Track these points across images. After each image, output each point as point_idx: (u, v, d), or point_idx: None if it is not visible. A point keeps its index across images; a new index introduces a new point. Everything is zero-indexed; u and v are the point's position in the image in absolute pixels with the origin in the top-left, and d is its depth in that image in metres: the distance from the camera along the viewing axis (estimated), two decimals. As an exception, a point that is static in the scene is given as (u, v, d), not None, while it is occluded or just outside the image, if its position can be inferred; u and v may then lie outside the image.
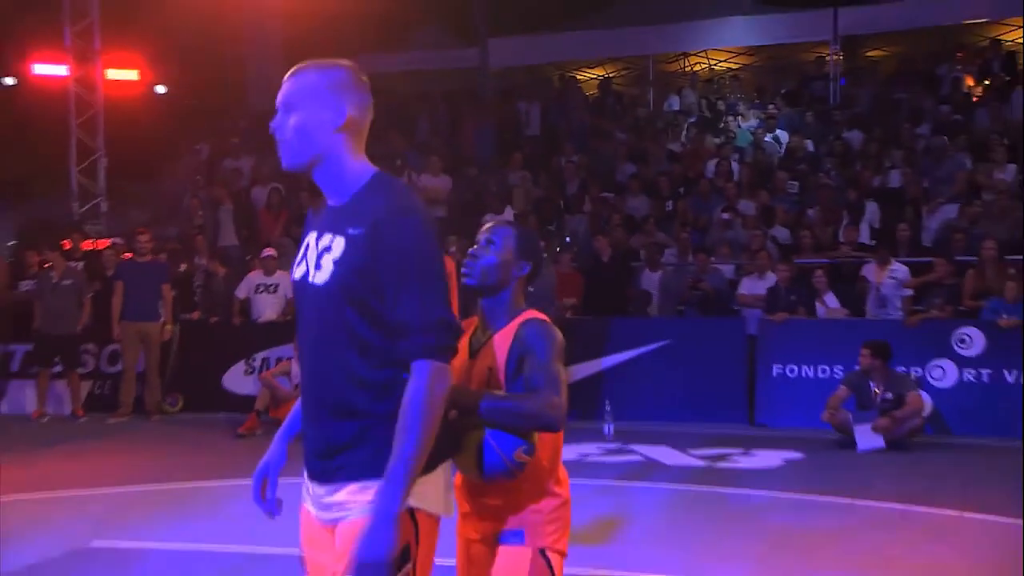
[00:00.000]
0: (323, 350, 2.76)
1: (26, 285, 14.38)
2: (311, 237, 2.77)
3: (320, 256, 2.70)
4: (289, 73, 2.77)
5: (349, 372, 2.67)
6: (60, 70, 18.42)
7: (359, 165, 2.77)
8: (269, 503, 2.91)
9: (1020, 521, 6.79)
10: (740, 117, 18.59)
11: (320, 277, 2.67)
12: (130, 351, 12.16)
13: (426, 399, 2.53)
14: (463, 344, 3.07)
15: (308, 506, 2.77)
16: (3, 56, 20.41)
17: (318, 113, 2.70)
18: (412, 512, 2.62)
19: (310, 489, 2.73)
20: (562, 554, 3.14)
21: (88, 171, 18.52)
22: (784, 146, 16.75)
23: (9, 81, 21.50)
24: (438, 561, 2.99)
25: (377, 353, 2.61)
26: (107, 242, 15.16)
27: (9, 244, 16.87)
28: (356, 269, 2.59)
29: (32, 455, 10.08)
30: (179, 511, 7.40)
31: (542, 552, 3.07)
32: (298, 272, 2.79)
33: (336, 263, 2.64)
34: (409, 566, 2.64)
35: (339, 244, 2.65)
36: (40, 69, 18.73)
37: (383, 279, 2.56)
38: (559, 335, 3.06)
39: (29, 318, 13.67)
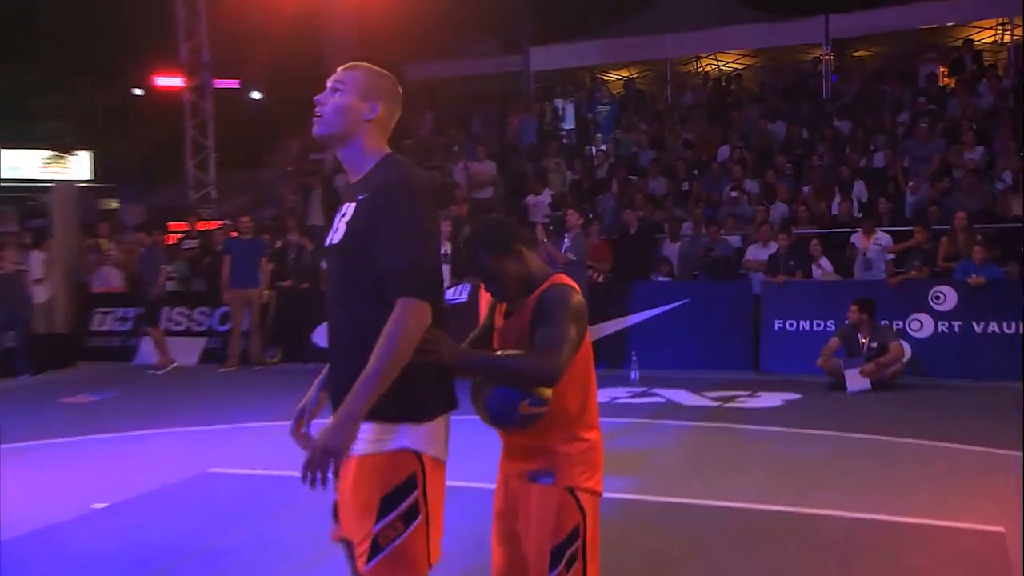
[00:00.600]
0: (340, 299, 2.79)
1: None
2: (340, 212, 2.81)
3: (338, 221, 2.77)
4: (346, 65, 2.87)
5: (360, 316, 2.69)
6: (176, 82, 18.82)
7: (375, 151, 2.80)
8: (304, 438, 2.91)
9: (987, 449, 6.89)
10: (745, 109, 18.56)
11: (336, 237, 2.75)
12: (236, 313, 12.46)
13: (398, 328, 2.54)
14: (501, 307, 3.10)
15: None
16: (131, 71, 20.77)
17: (357, 102, 2.78)
18: (419, 454, 2.65)
19: None
20: (595, 493, 3.01)
21: (200, 165, 18.88)
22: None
23: (137, 92, 21.85)
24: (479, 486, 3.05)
25: (380, 298, 2.61)
26: (216, 223, 15.48)
27: (138, 223, 17.24)
28: (360, 226, 2.67)
29: (158, 397, 10.43)
30: (280, 444, 7.52)
31: (571, 491, 2.92)
32: (327, 240, 2.84)
33: (347, 224, 2.72)
34: (417, 491, 2.64)
35: (351, 209, 2.72)
36: (161, 81, 19.10)
37: (378, 233, 2.63)
38: (577, 298, 2.94)
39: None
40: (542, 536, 2.91)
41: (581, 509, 2.93)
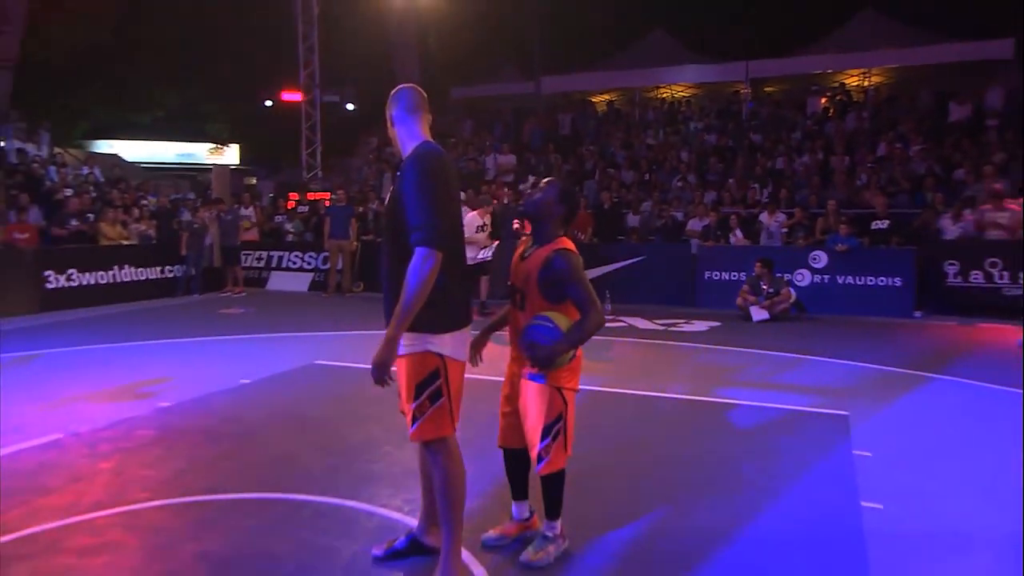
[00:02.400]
0: (386, 247, 2.77)
1: (280, 219, 14.85)
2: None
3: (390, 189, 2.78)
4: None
5: (397, 259, 2.64)
6: (296, 97, 18.76)
7: (411, 141, 2.74)
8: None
9: (843, 361, 6.94)
10: (689, 125, 18.43)
11: (386, 202, 2.77)
12: (333, 256, 12.45)
13: (416, 272, 2.51)
14: (518, 249, 3.10)
15: None
16: (265, 89, 20.81)
17: (389, 125, 2.82)
18: (441, 355, 2.66)
19: None
20: (574, 390, 3.02)
21: (311, 154, 18.83)
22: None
23: (268, 103, 21.82)
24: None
25: (408, 246, 2.56)
26: (321, 194, 15.53)
27: (270, 195, 17.32)
28: (395, 193, 2.67)
29: (281, 313, 10.48)
30: (362, 345, 7.29)
31: (559, 389, 2.96)
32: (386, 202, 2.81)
33: (390, 192, 2.73)
34: (440, 381, 2.67)
35: (397, 179, 2.71)
36: (285, 96, 19.08)
37: (404, 199, 2.60)
38: (577, 256, 2.94)
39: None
40: (536, 418, 2.97)
41: (564, 401, 2.99)
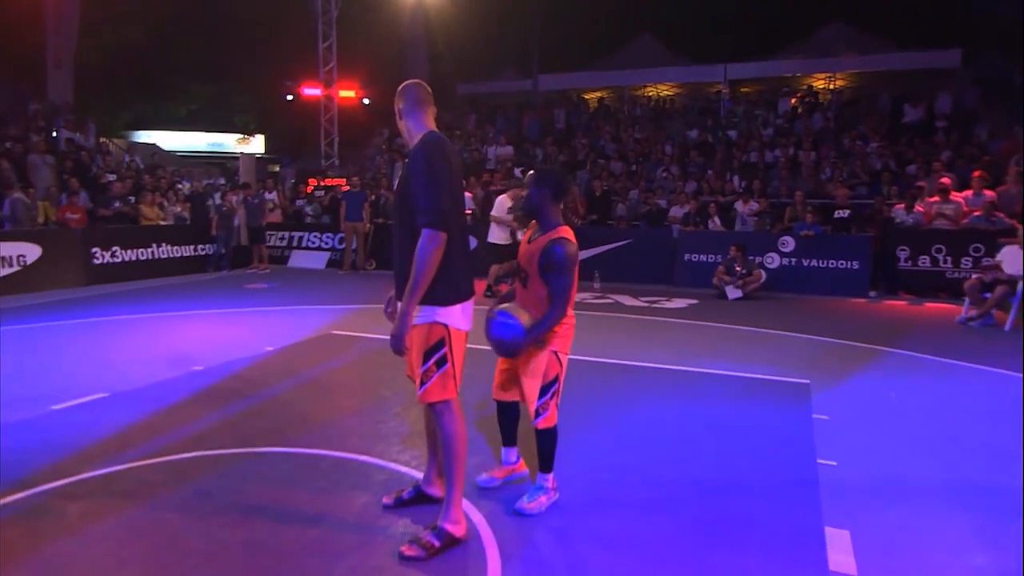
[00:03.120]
0: (396, 227, 2.75)
1: (300, 203, 14.76)
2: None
3: (399, 175, 2.75)
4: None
5: (407, 238, 2.62)
6: (316, 91, 18.46)
7: (419, 131, 2.70)
8: (390, 316, 2.85)
9: (807, 336, 6.96)
10: (673, 121, 18.29)
11: (395, 186, 2.76)
12: (348, 237, 12.35)
13: (423, 251, 2.50)
14: (527, 234, 3.08)
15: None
16: (288, 84, 20.58)
17: (398, 118, 2.78)
18: (446, 326, 2.65)
19: (398, 307, 2.64)
20: (566, 354, 3.05)
21: (329, 144, 18.59)
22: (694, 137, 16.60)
23: (290, 97, 21.65)
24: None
25: (417, 228, 2.55)
26: (337, 181, 15.40)
27: (291, 181, 17.21)
28: (404, 178, 2.65)
29: (301, 287, 10.39)
30: (374, 318, 7.53)
31: (555, 353, 2.99)
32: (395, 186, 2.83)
33: (400, 177, 2.70)
34: (445, 349, 2.66)
35: (405, 166, 2.69)
36: (306, 91, 18.83)
37: (411, 183, 2.59)
38: (573, 248, 2.90)
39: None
40: (536, 378, 3.00)
41: (560, 363, 3.02)
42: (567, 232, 2.94)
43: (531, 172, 3.06)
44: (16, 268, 9.39)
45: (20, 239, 9.57)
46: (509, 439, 3.32)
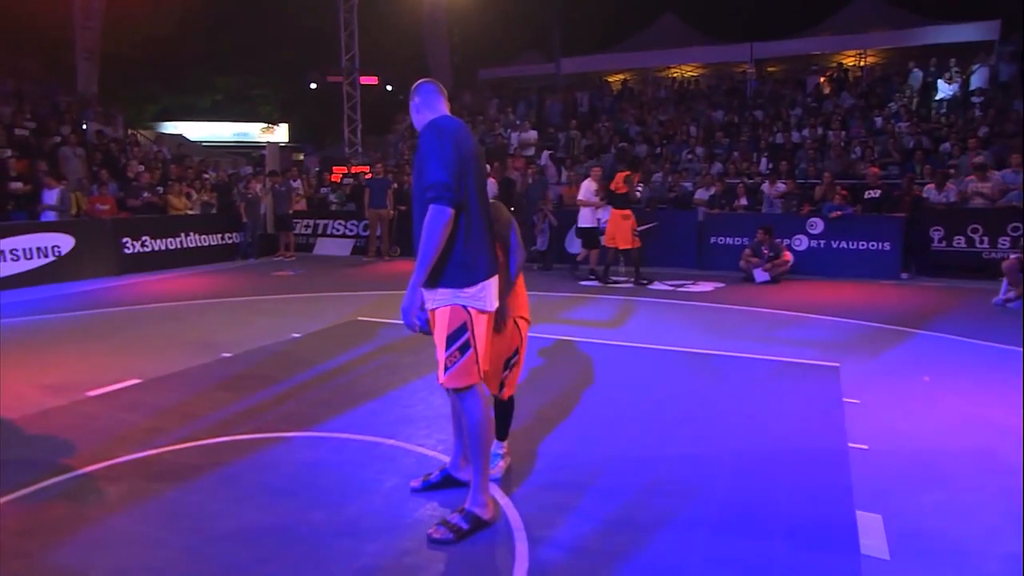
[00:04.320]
0: (415, 205, 2.71)
1: (325, 191, 14.83)
2: None
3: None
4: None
5: (423, 215, 2.60)
6: (338, 79, 18.54)
7: (431, 118, 2.70)
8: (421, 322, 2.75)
9: (835, 318, 6.84)
10: (697, 102, 18.02)
11: (414, 167, 2.72)
12: (372, 224, 12.42)
13: (430, 226, 2.51)
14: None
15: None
16: (311, 73, 20.74)
17: (413, 111, 2.81)
18: (467, 309, 2.64)
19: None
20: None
21: (352, 131, 18.66)
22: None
23: (313, 86, 21.76)
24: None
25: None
26: (361, 168, 15.49)
27: (316, 169, 17.32)
28: (417, 157, 2.64)
29: (327, 274, 10.49)
30: (398, 303, 7.68)
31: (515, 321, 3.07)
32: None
33: (414, 155, 2.72)
34: (468, 334, 2.65)
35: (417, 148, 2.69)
36: (329, 79, 18.95)
37: (420, 161, 2.60)
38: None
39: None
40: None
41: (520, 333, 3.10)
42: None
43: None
44: (51, 258, 9.61)
45: (54, 230, 9.79)
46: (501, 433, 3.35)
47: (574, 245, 11.74)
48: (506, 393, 3.12)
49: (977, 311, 7.35)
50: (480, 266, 2.68)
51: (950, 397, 4.45)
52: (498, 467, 3.20)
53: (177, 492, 3.10)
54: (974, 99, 14.08)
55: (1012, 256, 8.06)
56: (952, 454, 3.53)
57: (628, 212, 9.22)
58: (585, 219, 9.72)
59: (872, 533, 2.74)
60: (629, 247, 9.25)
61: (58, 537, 2.73)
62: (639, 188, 10.97)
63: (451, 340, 2.67)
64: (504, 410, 3.20)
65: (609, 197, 9.42)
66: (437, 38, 21.09)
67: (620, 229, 9.15)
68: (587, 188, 9.58)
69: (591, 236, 9.77)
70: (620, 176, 9.22)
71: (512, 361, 3.10)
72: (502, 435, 3.26)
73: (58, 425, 3.93)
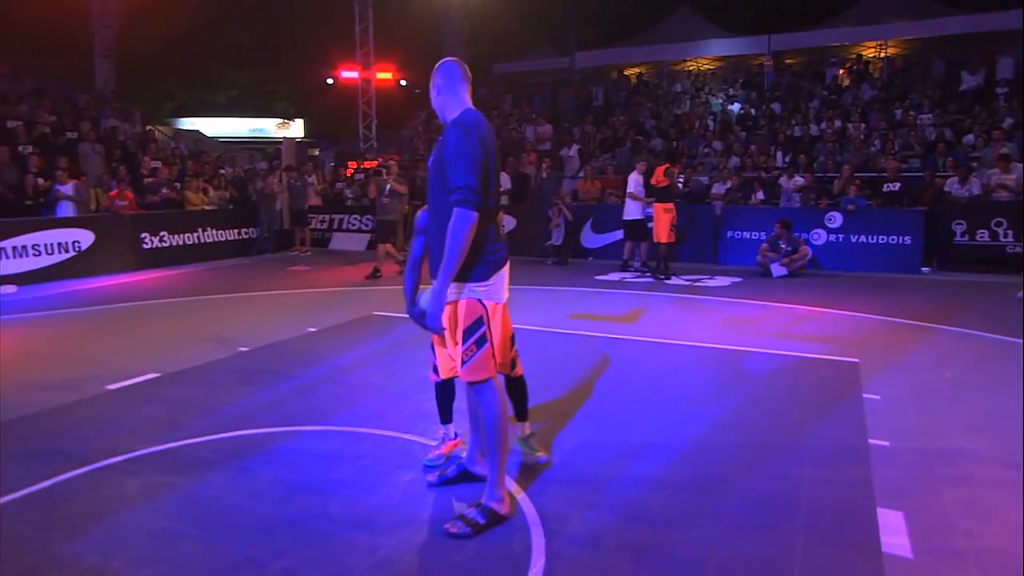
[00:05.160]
0: (431, 201, 2.70)
1: (340, 186, 14.86)
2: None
3: (435, 149, 2.69)
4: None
5: (439, 212, 2.61)
6: (353, 74, 18.58)
7: (457, 108, 2.67)
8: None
9: (853, 313, 6.76)
10: (713, 96, 17.89)
11: (430, 160, 2.69)
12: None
13: (455, 229, 2.49)
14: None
15: None
16: (326, 68, 20.83)
17: (434, 93, 2.74)
18: (482, 302, 2.63)
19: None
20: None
21: (367, 126, 18.71)
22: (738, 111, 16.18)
23: (329, 81, 21.85)
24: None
25: (449, 206, 2.55)
26: (376, 162, 15.55)
27: (331, 164, 17.39)
28: (439, 154, 2.60)
29: (341, 268, 10.51)
30: None
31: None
32: (428, 164, 2.75)
33: (434, 152, 2.66)
34: (484, 328, 2.65)
35: (439, 143, 2.66)
36: (344, 74, 18.97)
37: (443, 161, 2.57)
38: None
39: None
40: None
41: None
42: None
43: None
44: (72, 254, 9.74)
45: (75, 225, 9.91)
46: (446, 417, 3.35)
47: (590, 240, 11.69)
48: (518, 371, 3.13)
49: (1001, 306, 7.22)
50: (494, 260, 2.68)
51: (972, 394, 4.38)
52: (537, 456, 3.23)
53: (195, 486, 3.13)
54: (998, 90, 13.82)
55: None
56: (974, 452, 3.47)
57: (671, 205, 9.27)
58: (631, 212, 9.75)
59: (894, 531, 2.70)
60: (664, 241, 9.25)
61: (78, 529, 2.76)
62: (680, 180, 10.89)
63: (467, 334, 2.66)
64: (518, 388, 3.20)
65: (649, 191, 9.44)
66: (451, 32, 21.07)
67: (660, 222, 9.22)
68: (634, 181, 9.65)
69: (637, 228, 9.79)
70: (660, 169, 9.23)
71: (514, 338, 3.10)
72: (524, 414, 3.24)
73: (77, 419, 3.98)
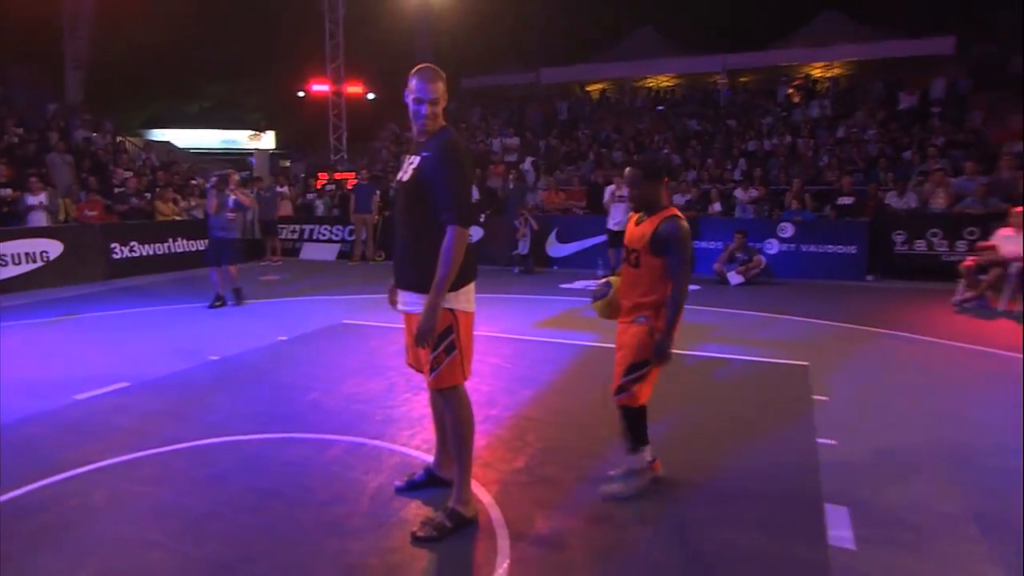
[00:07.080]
0: (402, 220, 2.65)
1: (311, 197, 14.69)
2: (407, 160, 2.69)
3: (406, 167, 2.63)
4: (430, 79, 2.59)
5: (414, 232, 2.57)
6: (324, 87, 18.46)
7: (441, 126, 2.62)
8: (393, 303, 2.82)
9: (806, 319, 6.90)
10: (672, 111, 18.18)
11: (405, 177, 2.61)
12: (358, 228, 12.30)
13: (450, 247, 2.45)
14: (634, 217, 3.04)
15: (400, 307, 2.74)
16: (297, 81, 20.63)
17: (440, 95, 2.61)
18: (452, 311, 2.61)
19: (400, 296, 2.71)
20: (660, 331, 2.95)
21: (337, 138, 18.61)
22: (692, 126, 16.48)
23: (300, 94, 21.65)
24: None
25: (430, 222, 2.51)
26: (346, 174, 15.40)
27: (301, 175, 17.19)
28: (425, 173, 2.52)
29: (312, 278, 10.32)
30: (382, 307, 7.61)
31: (653, 329, 2.95)
32: (399, 177, 2.69)
33: (414, 170, 2.57)
34: (453, 335, 2.62)
35: (417, 160, 2.58)
36: (315, 87, 18.81)
37: (434, 180, 2.49)
38: (686, 224, 2.86)
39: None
40: (628, 355, 3.01)
41: (652, 338, 2.99)
42: (674, 211, 2.94)
43: (629, 168, 3.00)
44: (40, 263, 9.44)
45: (43, 235, 9.61)
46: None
47: (555, 249, 11.76)
48: (624, 400, 3.01)
49: (937, 311, 7.48)
50: (465, 271, 2.66)
51: (913, 394, 4.51)
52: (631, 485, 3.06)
53: (165, 494, 3.05)
54: (932, 109, 14.37)
55: (969, 258, 8.21)
56: (914, 448, 3.58)
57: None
58: (615, 221, 9.88)
59: (839, 524, 2.77)
60: None
61: (46, 540, 2.67)
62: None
63: (437, 342, 2.65)
64: (628, 417, 3.06)
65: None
66: (421, 47, 21.09)
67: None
68: (613, 193, 9.97)
69: (616, 237, 9.83)
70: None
71: (645, 368, 2.97)
72: (634, 445, 3.09)
73: (46, 428, 3.85)
